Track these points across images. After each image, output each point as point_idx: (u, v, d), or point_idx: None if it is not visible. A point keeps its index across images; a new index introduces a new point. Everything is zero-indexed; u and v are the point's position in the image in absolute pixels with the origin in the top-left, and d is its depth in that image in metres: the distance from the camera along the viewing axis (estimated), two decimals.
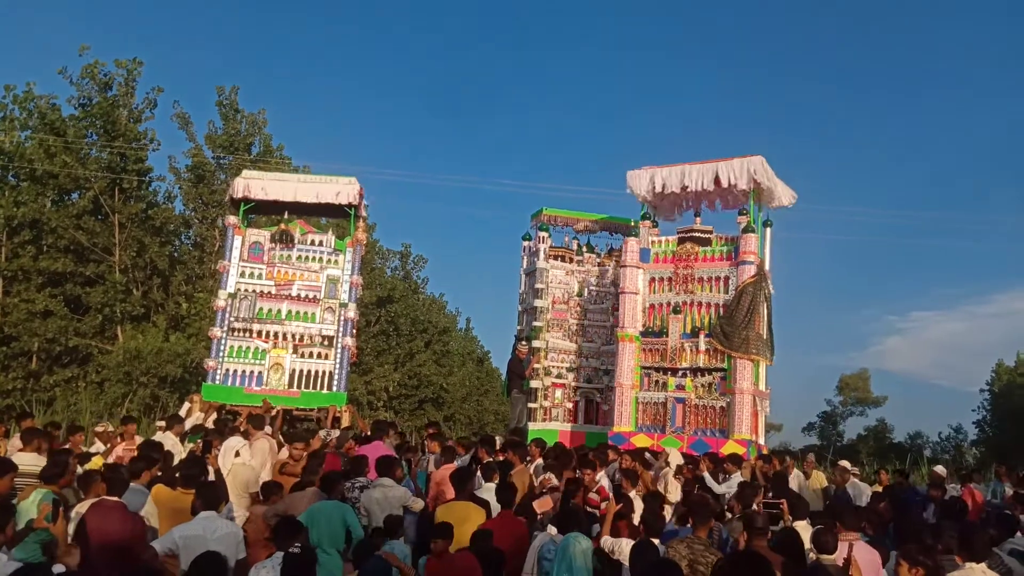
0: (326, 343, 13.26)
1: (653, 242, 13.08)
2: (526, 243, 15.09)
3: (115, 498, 5.59)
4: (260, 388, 12.83)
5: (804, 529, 6.55)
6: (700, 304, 12.51)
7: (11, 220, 21.30)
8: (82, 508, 5.71)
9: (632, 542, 5.89)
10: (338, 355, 13.23)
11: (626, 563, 5.84)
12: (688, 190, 12.57)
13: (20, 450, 7.91)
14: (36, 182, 22.04)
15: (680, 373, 12.39)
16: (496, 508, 6.92)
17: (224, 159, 24.95)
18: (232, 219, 13.67)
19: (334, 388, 13.09)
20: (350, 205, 13.80)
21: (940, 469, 11.62)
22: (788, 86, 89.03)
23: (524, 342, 13.99)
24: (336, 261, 13.61)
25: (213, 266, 24.34)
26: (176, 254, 25.34)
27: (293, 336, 13.17)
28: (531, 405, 13.83)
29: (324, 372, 13.16)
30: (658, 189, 12.63)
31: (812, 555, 5.68)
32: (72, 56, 26.50)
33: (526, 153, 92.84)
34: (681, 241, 12.89)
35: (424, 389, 29.40)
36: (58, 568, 4.66)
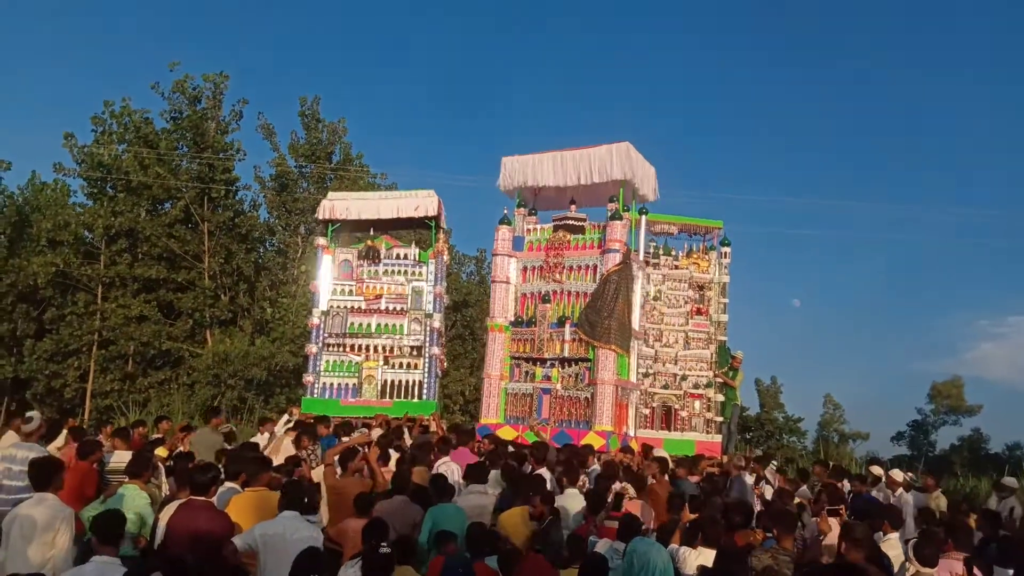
0: (414, 353, 13.45)
1: (529, 230, 12.98)
2: None
3: (202, 498, 5.54)
4: (355, 400, 13.21)
5: (896, 542, 6.61)
6: (569, 293, 12.38)
7: (109, 229, 22.42)
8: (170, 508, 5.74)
9: (700, 551, 5.74)
10: (426, 364, 13.39)
11: (689, 572, 5.69)
12: (564, 180, 12.44)
13: (116, 448, 8.25)
14: (132, 193, 23.09)
15: (548, 364, 12.25)
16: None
17: (306, 168, 25.56)
18: (321, 240, 14.04)
19: (424, 397, 13.25)
20: (429, 217, 13.92)
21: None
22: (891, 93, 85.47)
23: None
24: (420, 273, 13.77)
25: (296, 271, 25.02)
26: (260, 260, 26.13)
27: (383, 348, 13.44)
28: None
29: (414, 381, 13.37)
30: (533, 177, 12.59)
31: (910, 568, 5.55)
32: (163, 71, 27.61)
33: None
34: (556, 229, 12.73)
35: None
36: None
